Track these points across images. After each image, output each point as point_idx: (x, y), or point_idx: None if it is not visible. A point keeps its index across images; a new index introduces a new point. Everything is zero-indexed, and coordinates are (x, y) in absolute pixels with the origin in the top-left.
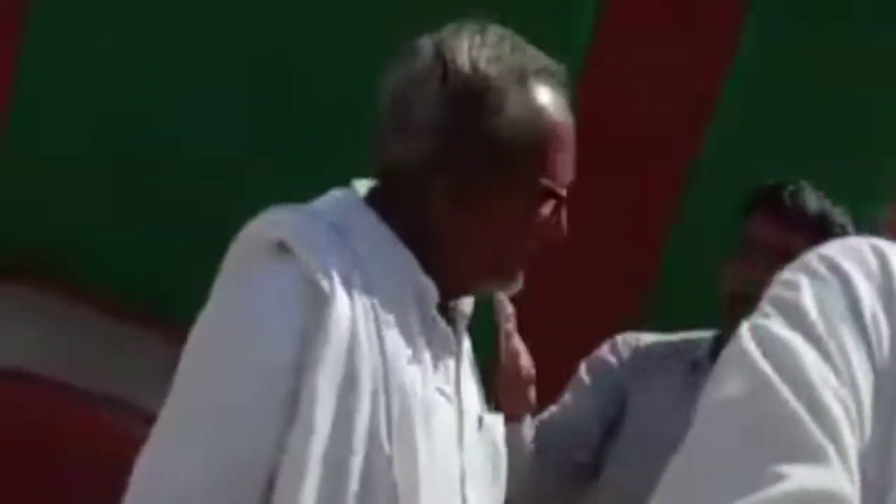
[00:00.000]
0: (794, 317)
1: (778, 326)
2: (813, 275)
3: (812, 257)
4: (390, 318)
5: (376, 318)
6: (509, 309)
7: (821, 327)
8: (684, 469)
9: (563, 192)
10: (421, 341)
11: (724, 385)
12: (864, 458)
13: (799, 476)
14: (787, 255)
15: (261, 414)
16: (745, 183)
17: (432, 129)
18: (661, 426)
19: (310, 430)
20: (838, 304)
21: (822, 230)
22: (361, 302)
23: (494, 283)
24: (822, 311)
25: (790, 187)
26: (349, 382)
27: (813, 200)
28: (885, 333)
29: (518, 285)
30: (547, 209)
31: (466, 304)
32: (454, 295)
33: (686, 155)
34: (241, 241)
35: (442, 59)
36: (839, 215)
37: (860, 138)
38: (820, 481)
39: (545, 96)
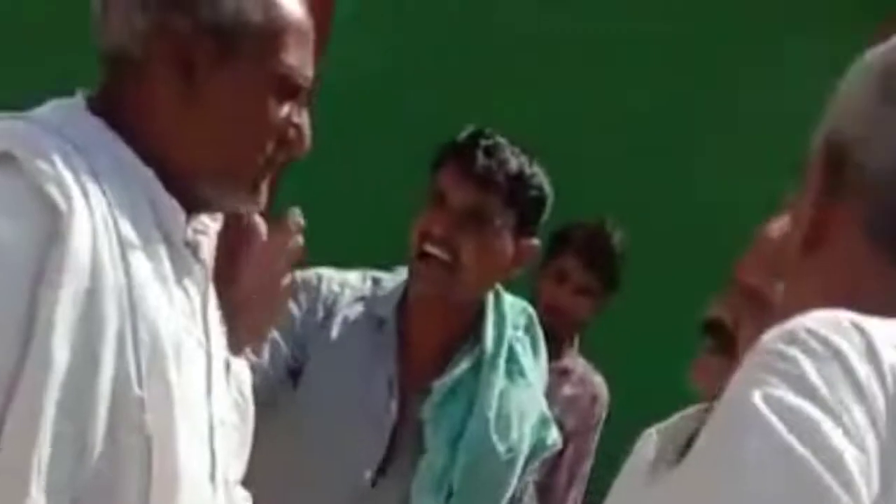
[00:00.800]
0: (803, 388)
1: (792, 398)
2: (806, 349)
3: (799, 330)
4: (135, 241)
5: (120, 241)
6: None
7: (831, 399)
8: None
9: (301, 84)
10: (167, 271)
11: (747, 457)
12: None
13: None
14: (479, 215)
15: None
16: None
17: (143, 5)
18: (347, 387)
19: (45, 367)
20: (838, 377)
21: (518, 191)
22: (102, 221)
23: (233, 192)
24: (827, 382)
25: (485, 142)
26: (91, 310)
27: (511, 158)
28: (881, 405)
29: (259, 202)
30: (285, 108)
31: (209, 232)
32: (192, 209)
33: None
34: None
35: None
36: (537, 175)
37: None
38: None
39: None
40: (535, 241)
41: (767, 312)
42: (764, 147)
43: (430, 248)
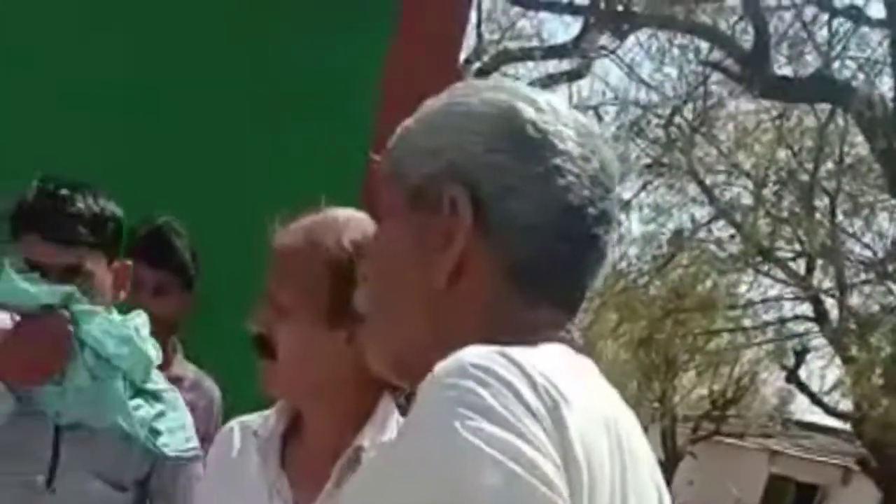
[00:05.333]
0: (496, 419)
1: (491, 427)
2: (480, 381)
3: (466, 365)
4: None
5: None
6: None
7: (519, 425)
8: None
9: None
10: None
11: (475, 478)
12: None
13: None
14: (75, 272)
15: None
16: None
17: None
18: None
19: None
20: (513, 402)
21: (99, 231)
22: None
23: None
24: (509, 410)
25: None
26: None
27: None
28: (546, 416)
29: None
30: None
31: None
32: None
33: None
34: None
35: None
36: (107, 207)
37: None
38: None
39: None
40: (129, 262)
41: (288, 318)
42: None
43: None
